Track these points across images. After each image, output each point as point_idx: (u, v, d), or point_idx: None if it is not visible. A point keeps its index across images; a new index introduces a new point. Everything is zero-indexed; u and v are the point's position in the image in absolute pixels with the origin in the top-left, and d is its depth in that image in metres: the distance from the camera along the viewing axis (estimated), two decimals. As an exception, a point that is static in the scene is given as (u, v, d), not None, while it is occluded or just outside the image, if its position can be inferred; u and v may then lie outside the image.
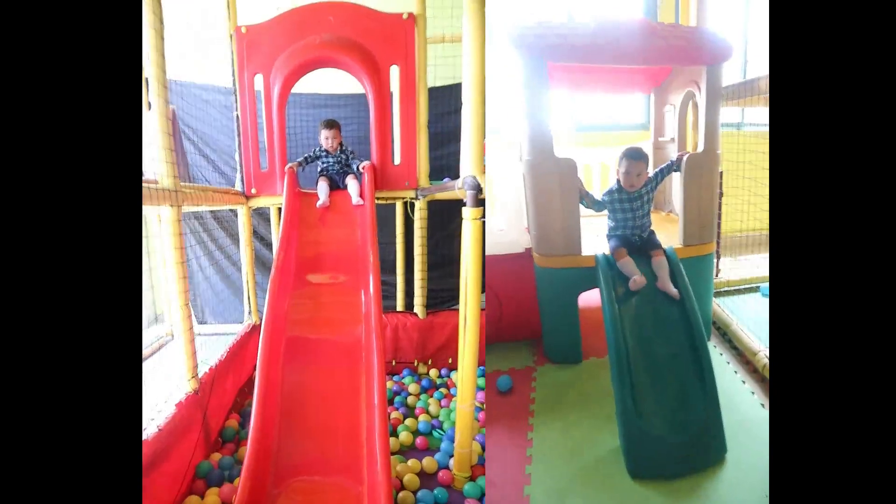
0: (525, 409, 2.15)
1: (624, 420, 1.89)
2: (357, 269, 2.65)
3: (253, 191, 3.13)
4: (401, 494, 2.08)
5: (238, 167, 3.15)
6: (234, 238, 3.71)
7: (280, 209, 3.05)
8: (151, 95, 2.08)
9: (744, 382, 2.31)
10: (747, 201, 2.98)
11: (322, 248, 2.76)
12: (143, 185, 1.90)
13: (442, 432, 2.58)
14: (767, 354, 2.26)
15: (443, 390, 3.00)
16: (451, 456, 2.27)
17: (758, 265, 3.31)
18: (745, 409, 2.13)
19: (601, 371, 2.40)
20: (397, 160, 3.13)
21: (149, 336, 3.71)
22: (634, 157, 2.25)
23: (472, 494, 2.09)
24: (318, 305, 2.56)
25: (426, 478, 2.26)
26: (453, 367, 3.21)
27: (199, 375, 2.36)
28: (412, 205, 3.22)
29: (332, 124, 3.03)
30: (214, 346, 2.91)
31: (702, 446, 1.86)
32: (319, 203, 2.82)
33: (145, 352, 3.39)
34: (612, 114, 4.37)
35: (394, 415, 2.70)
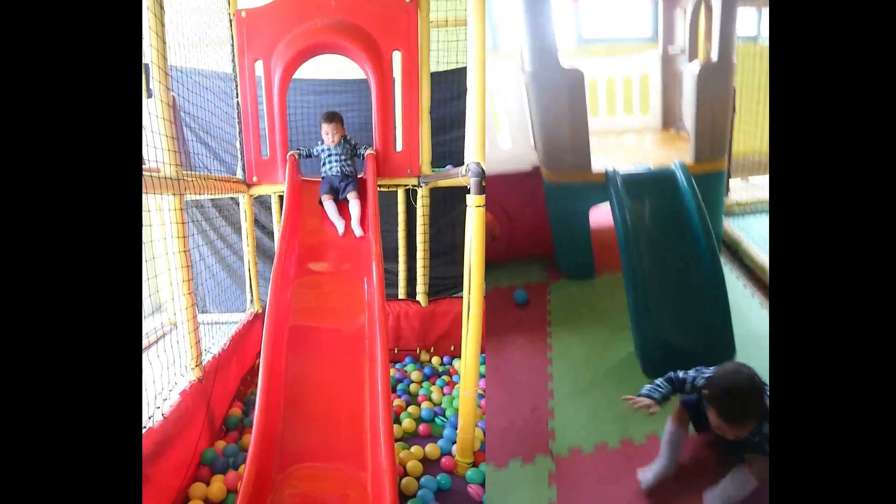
0: (543, 320, 2.22)
1: (637, 324, 2.00)
2: (360, 257, 2.67)
3: (254, 178, 3.13)
4: (404, 481, 2.11)
5: (239, 155, 3.15)
6: (235, 226, 3.73)
7: (281, 197, 3.06)
8: (152, 82, 2.08)
9: (753, 297, 2.38)
10: (762, 123, 2.92)
11: (324, 236, 2.78)
12: (145, 173, 1.91)
13: (444, 419, 2.61)
14: None
15: (445, 378, 3.02)
16: (454, 442, 2.30)
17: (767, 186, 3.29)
18: (753, 321, 2.23)
19: (615, 286, 2.44)
20: (399, 147, 3.13)
21: (151, 325, 3.74)
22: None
23: (474, 480, 2.12)
24: (321, 294, 2.58)
25: (429, 464, 2.29)
26: (455, 355, 3.23)
27: (203, 364, 2.38)
28: (414, 192, 3.22)
29: (332, 117, 2.97)
30: (216, 334, 2.93)
31: (712, 350, 1.95)
32: (340, 231, 2.77)
33: (147, 341, 3.41)
34: (617, 24, 4.00)
35: (396, 402, 2.73)
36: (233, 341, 2.84)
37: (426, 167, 3.14)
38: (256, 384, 2.13)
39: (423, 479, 2.14)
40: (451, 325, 3.25)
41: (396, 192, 3.30)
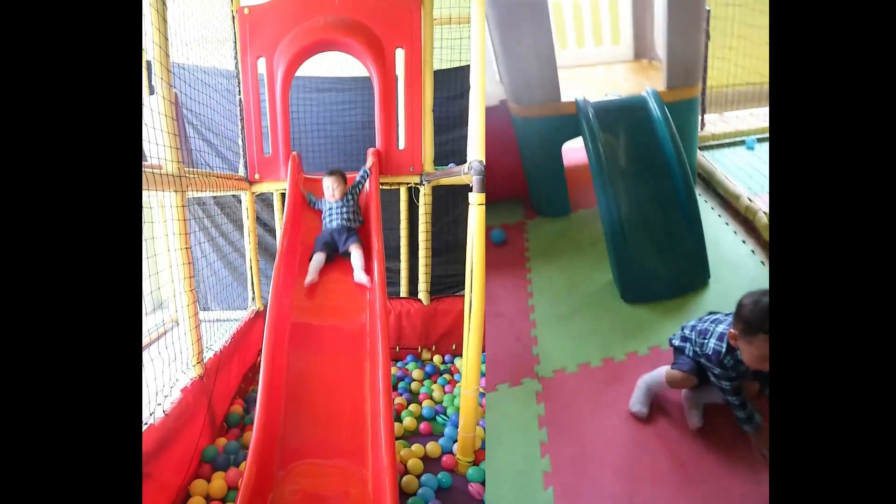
0: (521, 256, 2.30)
1: (615, 254, 2.08)
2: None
3: (256, 176, 3.14)
4: (405, 478, 2.12)
5: (241, 152, 3.16)
6: (237, 224, 3.74)
7: (283, 194, 3.06)
8: (154, 79, 2.09)
9: (727, 224, 2.51)
10: (736, 58, 2.95)
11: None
12: (148, 170, 1.92)
13: (446, 418, 2.62)
14: (749, 198, 2.41)
15: (446, 376, 3.03)
16: (455, 441, 2.30)
17: (743, 119, 3.33)
18: (728, 246, 2.37)
19: (591, 220, 2.57)
20: (402, 145, 3.13)
21: (152, 322, 3.75)
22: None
23: (475, 479, 2.12)
24: (323, 292, 2.58)
25: (430, 462, 2.29)
26: (457, 354, 3.24)
27: (204, 361, 2.38)
28: (417, 190, 3.23)
29: (334, 172, 2.76)
30: (217, 332, 2.94)
31: (688, 273, 2.08)
32: (307, 281, 2.52)
33: (149, 338, 3.42)
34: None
35: (397, 400, 2.74)
36: (234, 339, 2.84)
37: (428, 165, 3.14)
38: (258, 382, 2.14)
39: (423, 478, 2.14)
40: (452, 323, 3.26)
41: (399, 189, 3.30)
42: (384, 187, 3.09)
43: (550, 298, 2.20)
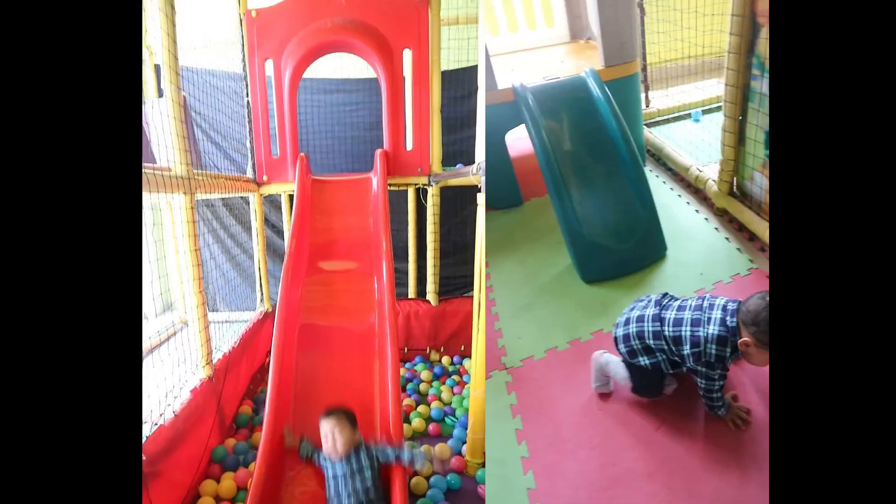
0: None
1: (571, 238, 2.13)
2: (370, 256, 2.70)
3: (264, 178, 3.18)
4: (413, 480, 2.14)
5: (249, 154, 3.20)
6: (245, 225, 3.77)
7: (291, 196, 3.10)
8: (164, 82, 2.13)
9: (679, 196, 2.60)
10: (673, 31, 2.97)
11: (335, 235, 2.81)
12: (157, 172, 1.95)
13: (455, 419, 2.63)
14: (699, 168, 2.53)
15: (455, 377, 3.04)
16: (464, 442, 2.32)
17: (688, 93, 3.41)
18: (682, 217, 2.48)
19: (544, 208, 2.60)
20: (409, 146, 3.16)
21: (161, 324, 3.79)
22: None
23: (484, 480, 2.13)
24: (332, 292, 2.61)
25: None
26: (466, 355, 3.25)
27: (213, 362, 2.42)
28: (425, 191, 3.25)
29: (333, 412, 1.91)
30: (226, 333, 2.98)
31: (644, 248, 2.13)
32: None
33: (158, 339, 3.47)
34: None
35: (406, 402, 2.76)
36: (243, 340, 2.88)
37: (437, 166, 3.16)
38: (267, 382, 2.17)
39: (432, 479, 2.16)
40: (461, 324, 3.27)
41: (406, 191, 3.32)
42: (392, 188, 3.11)
43: (511, 290, 2.25)
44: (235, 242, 3.92)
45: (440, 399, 2.82)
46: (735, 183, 2.51)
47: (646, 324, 1.66)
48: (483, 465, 2.22)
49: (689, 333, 1.57)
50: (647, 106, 3.58)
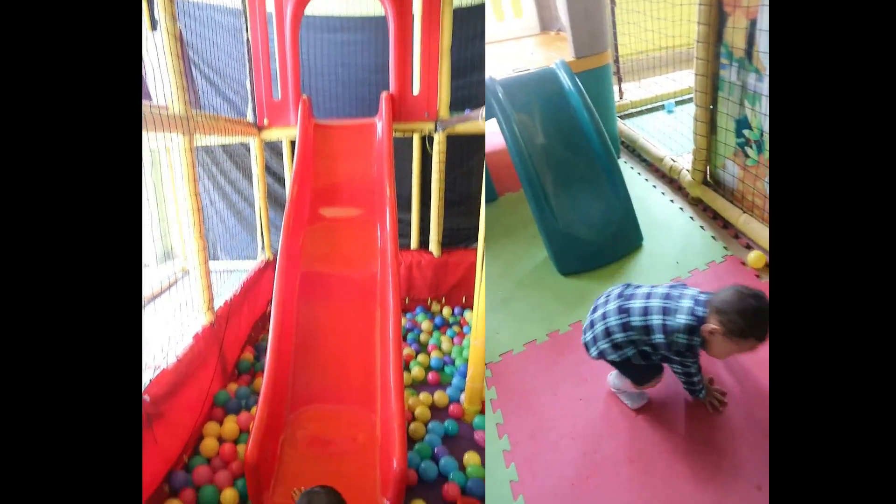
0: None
1: (546, 231, 2.17)
2: (373, 204, 2.68)
3: (265, 122, 3.12)
4: (412, 426, 2.20)
5: (249, 97, 3.13)
6: (246, 173, 3.74)
7: (293, 143, 3.05)
8: (157, 12, 2.04)
9: (654, 187, 2.67)
10: (644, 22, 3.01)
11: (337, 182, 2.78)
12: (153, 110, 1.91)
13: (454, 368, 2.67)
14: (673, 158, 2.59)
15: (455, 328, 3.08)
16: (462, 391, 2.37)
17: (661, 84, 3.50)
18: (657, 208, 2.53)
19: (519, 203, 2.66)
20: (416, 90, 3.08)
21: (162, 273, 3.82)
22: None
23: (482, 427, 2.20)
24: (334, 240, 2.61)
25: (437, 411, 2.37)
26: (467, 306, 3.28)
27: (215, 309, 2.44)
28: (430, 139, 3.19)
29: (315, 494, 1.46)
30: (227, 282, 2.99)
31: (620, 240, 2.19)
32: None
33: (158, 288, 3.49)
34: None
35: (406, 351, 2.80)
36: (244, 287, 2.90)
37: (444, 111, 3.09)
38: (268, 330, 2.20)
39: (430, 425, 2.22)
40: (463, 275, 3.28)
41: (411, 138, 3.26)
42: (396, 135, 3.05)
43: (488, 285, 2.28)
44: (235, 189, 3.90)
45: (440, 349, 2.86)
46: (708, 172, 2.55)
47: (610, 319, 1.64)
48: (481, 412, 2.28)
49: (660, 322, 1.56)
50: (621, 98, 3.61)
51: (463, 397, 2.34)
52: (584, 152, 2.32)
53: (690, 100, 2.49)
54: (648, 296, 1.62)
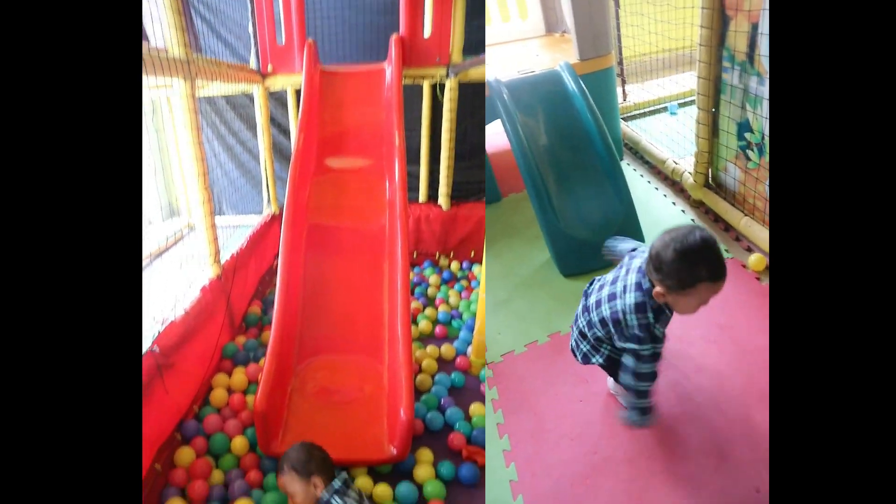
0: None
1: (548, 232, 2.23)
2: (381, 154, 2.64)
3: (269, 68, 3.05)
4: (419, 377, 2.23)
5: (252, 42, 3.05)
6: (250, 123, 3.69)
7: (298, 92, 2.99)
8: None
9: (657, 189, 2.71)
10: (648, 24, 3.05)
11: (345, 131, 2.74)
12: (152, 52, 1.86)
13: (461, 322, 2.68)
14: (675, 161, 2.65)
15: (463, 282, 3.07)
16: (469, 344, 2.38)
17: (664, 86, 3.55)
18: (658, 209, 2.57)
19: (522, 203, 2.73)
20: (428, 32, 2.98)
21: (167, 229, 3.83)
22: None
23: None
24: (341, 192, 2.59)
25: (444, 364, 2.40)
26: (475, 260, 3.27)
27: (221, 262, 2.44)
28: (441, 86, 3.11)
29: (282, 460, 1.55)
30: (233, 237, 2.98)
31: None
32: None
33: (164, 245, 3.50)
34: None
35: (413, 304, 2.80)
36: (250, 241, 2.90)
37: (457, 55, 2.99)
38: (275, 284, 2.21)
39: (437, 377, 2.25)
40: (472, 230, 3.26)
41: (421, 85, 3.18)
42: (406, 82, 2.97)
43: (490, 285, 2.32)
44: (238, 140, 3.86)
45: (447, 303, 2.86)
46: (710, 174, 2.58)
47: (579, 322, 1.61)
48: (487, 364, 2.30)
49: (608, 311, 1.47)
50: (624, 99, 3.66)
51: (470, 350, 2.35)
52: (587, 154, 2.36)
53: (693, 102, 2.53)
54: (602, 286, 1.54)
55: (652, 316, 1.39)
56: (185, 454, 1.82)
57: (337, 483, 1.49)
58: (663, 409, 1.70)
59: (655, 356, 1.42)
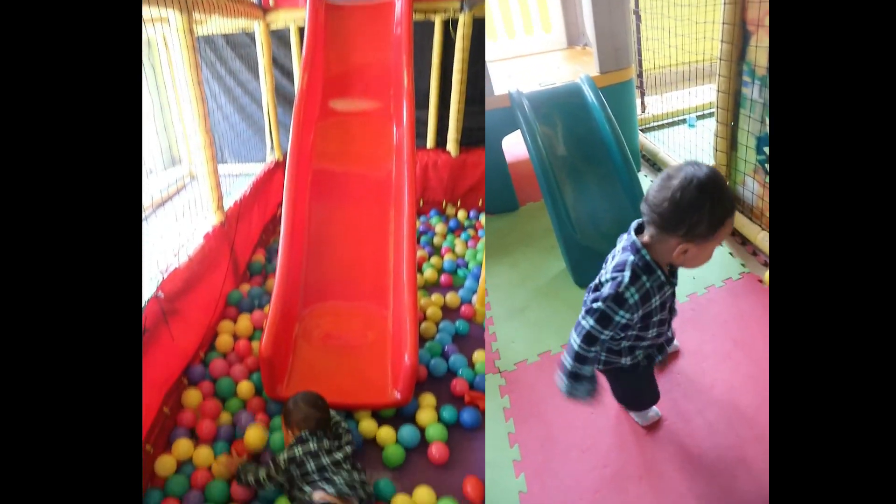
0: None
1: (564, 242, 2.28)
2: (389, 96, 2.58)
3: (271, 1, 2.95)
4: (423, 324, 2.25)
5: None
6: (252, 64, 3.60)
7: (301, 29, 2.90)
8: None
9: None
10: (667, 38, 3.14)
11: (350, 71, 2.66)
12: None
13: (466, 271, 2.68)
14: None
15: (470, 231, 3.06)
16: (475, 292, 2.39)
17: (683, 99, 3.65)
18: None
19: (539, 212, 2.77)
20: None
21: (168, 178, 3.81)
22: None
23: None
24: (347, 137, 2.55)
25: (449, 312, 2.42)
26: (483, 210, 3.24)
27: (224, 209, 2.43)
28: (454, 22, 2.99)
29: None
30: (236, 186, 2.96)
31: None
32: None
33: (166, 194, 3.49)
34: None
35: (419, 253, 2.81)
36: (254, 187, 2.89)
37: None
38: (279, 233, 2.20)
39: (441, 324, 2.28)
40: (481, 177, 3.23)
41: (432, 22, 3.06)
42: (417, 17, 2.86)
43: (505, 293, 2.37)
44: (238, 82, 3.79)
45: (453, 252, 2.86)
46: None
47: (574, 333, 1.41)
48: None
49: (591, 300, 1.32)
50: (643, 111, 3.77)
51: (475, 299, 2.36)
52: (605, 165, 2.41)
53: (712, 114, 2.53)
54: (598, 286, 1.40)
55: (628, 276, 1.25)
56: (193, 396, 1.87)
57: (304, 434, 1.56)
58: (674, 426, 1.70)
59: (605, 320, 1.27)
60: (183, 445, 1.70)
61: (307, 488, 1.50)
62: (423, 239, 3.00)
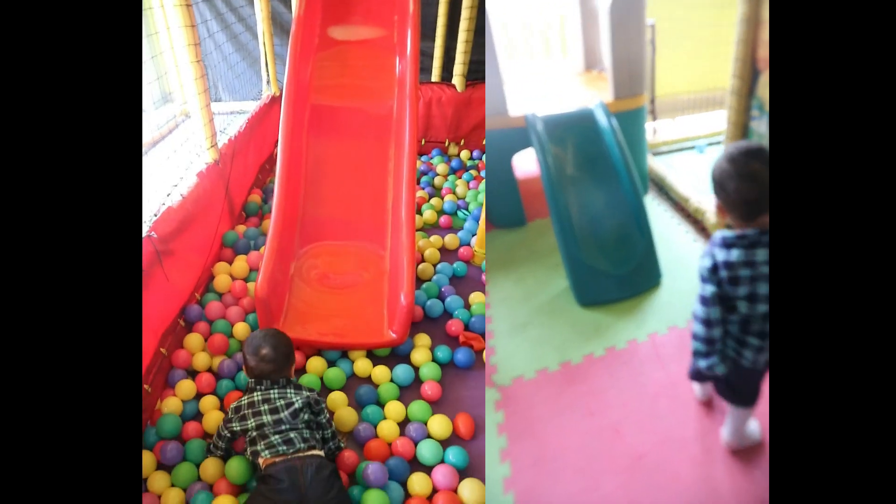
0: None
1: (569, 261, 2.40)
2: (392, 24, 2.53)
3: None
4: (421, 265, 2.34)
5: None
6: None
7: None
8: None
9: (679, 226, 2.90)
10: (678, 68, 3.44)
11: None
12: None
13: (467, 213, 2.73)
14: (698, 201, 2.89)
15: (472, 172, 3.10)
16: (474, 234, 2.45)
17: (693, 125, 3.91)
18: (679, 246, 2.72)
19: (546, 229, 2.89)
20: None
21: (160, 117, 3.82)
22: None
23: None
24: (346, 70, 2.53)
25: (447, 253, 2.51)
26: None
27: (219, 146, 2.46)
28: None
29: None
30: (231, 124, 2.98)
31: (640, 275, 2.43)
32: None
33: (158, 133, 3.51)
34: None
35: (419, 194, 2.86)
36: (249, 124, 2.91)
37: None
38: (275, 173, 2.24)
39: (439, 266, 2.37)
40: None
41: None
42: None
43: (507, 308, 2.42)
44: (230, 6, 3.73)
45: (454, 193, 2.89)
46: None
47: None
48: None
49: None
50: (654, 135, 3.91)
51: (474, 241, 2.42)
52: (612, 187, 2.55)
53: (721, 142, 2.59)
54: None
55: (710, 260, 1.42)
56: (191, 339, 1.94)
57: (252, 383, 1.58)
58: (668, 454, 1.70)
59: (705, 300, 1.40)
60: (185, 386, 1.79)
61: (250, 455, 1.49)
62: (423, 179, 3.03)
